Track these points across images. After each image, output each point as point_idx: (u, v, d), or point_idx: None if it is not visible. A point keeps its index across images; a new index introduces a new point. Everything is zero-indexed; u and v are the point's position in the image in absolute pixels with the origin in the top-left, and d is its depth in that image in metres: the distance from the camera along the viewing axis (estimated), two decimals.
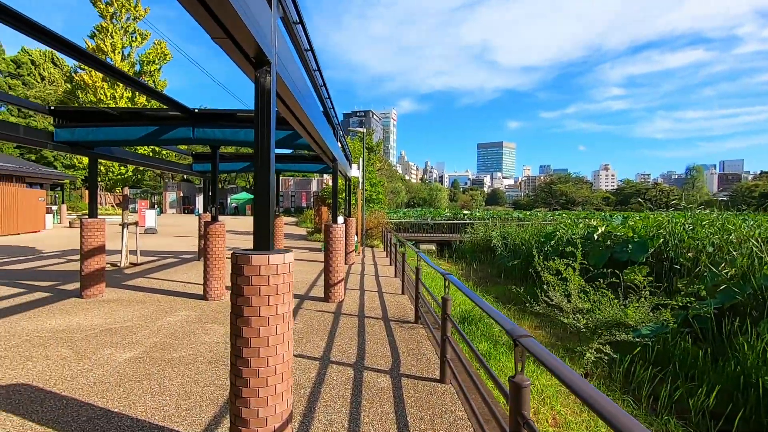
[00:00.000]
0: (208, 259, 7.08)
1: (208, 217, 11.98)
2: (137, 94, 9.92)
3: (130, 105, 11.41)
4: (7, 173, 21.46)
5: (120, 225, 10.45)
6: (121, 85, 9.80)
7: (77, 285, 7.54)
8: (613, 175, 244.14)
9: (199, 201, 48.59)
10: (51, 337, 5.01)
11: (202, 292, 7.50)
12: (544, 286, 7.27)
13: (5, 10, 3.26)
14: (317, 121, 4.65)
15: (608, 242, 11.65)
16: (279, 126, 6.27)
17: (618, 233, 11.52)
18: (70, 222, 24.52)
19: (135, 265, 10.70)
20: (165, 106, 6.24)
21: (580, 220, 17.55)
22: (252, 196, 30.06)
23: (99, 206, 46.02)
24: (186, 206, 49.81)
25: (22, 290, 7.53)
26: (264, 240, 2.49)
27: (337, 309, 6.72)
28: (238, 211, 48.71)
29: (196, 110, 6.14)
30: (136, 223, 10.95)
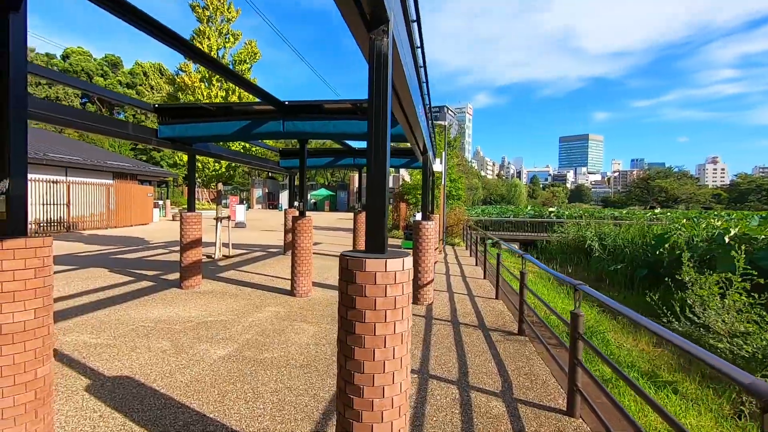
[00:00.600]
0: (295, 255, 6.98)
1: (295, 212, 12.22)
2: (230, 93, 10.34)
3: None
4: (123, 171, 24.17)
5: (214, 219, 10.98)
6: (215, 85, 10.29)
7: (177, 275, 7.91)
8: (723, 169, 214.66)
9: (283, 197, 51.18)
10: (153, 327, 5.14)
11: (289, 288, 7.46)
12: (690, 300, 6.08)
13: (137, 12, 3.27)
14: (418, 106, 4.16)
15: (744, 246, 9.75)
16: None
17: (758, 236, 9.58)
18: (173, 215, 27.04)
19: (227, 257, 11.18)
20: (256, 99, 6.19)
21: (700, 220, 15.17)
22: (331, 193, 30.91)
23: (196, 201, 50.72)
24: (271, 202, 52.82)
25: (131, 278, 8.09)
26: (378, 241, 2.04)
27: (427, 313, 6.22)
28: (316, 207, 50.52)
29: (287, 102, 6.00)
30: (228, 218, 11.45)
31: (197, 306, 6.20)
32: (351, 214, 41.29)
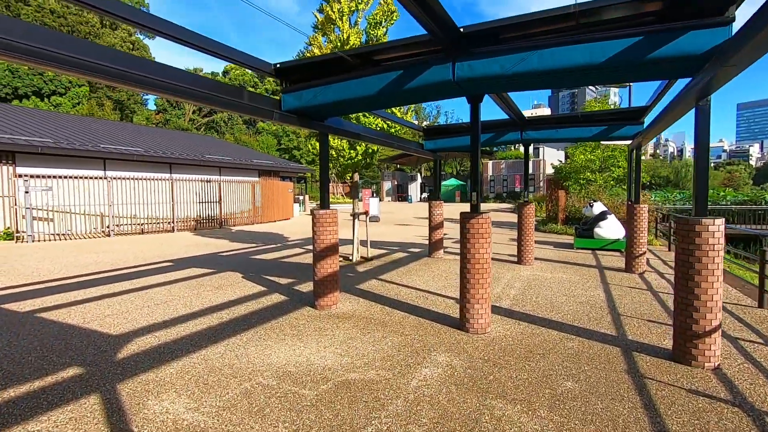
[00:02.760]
0: (467, 270, 4.69)
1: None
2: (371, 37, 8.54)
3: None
4: (266, 169, 25.31)
5: (351, 216, 9.45)
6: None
7: (311, 286, 6.38)
8: None
9: (412, 189, 50.22)
10: (275, 391, 3.37)
11: (454, 314, 5.25)
12: None
13: None
14: None
15: None
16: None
17: None
18: (311, 210, 27.62)
19: (366, 259, 9.56)
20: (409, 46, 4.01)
21: None
22: (461, 183, 27.97)
23: (330, 195, 52.78)
24: (400, 194, 52.39)
25: (263, 290, 6.83)
26: None
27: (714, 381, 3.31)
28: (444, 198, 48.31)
29: (462, 29, 3.68)
30: (366, 213, 9.83)
31: (335, 344, 4.36)
32: (484, 205, 37.98)
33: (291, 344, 4.36)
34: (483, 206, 27.00)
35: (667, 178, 75.45)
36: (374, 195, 44.58)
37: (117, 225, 15.07)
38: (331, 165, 9.43)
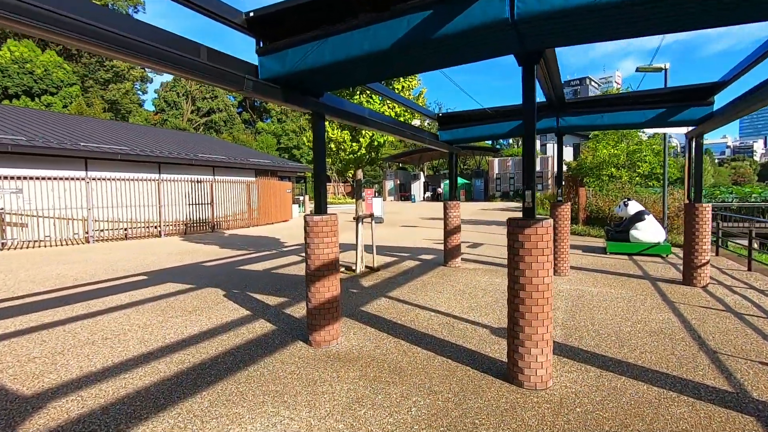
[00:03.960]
0: (522, 297, 3.33)
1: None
2: None
3: None
4: (264, 168, 23.97)
5: (354, 219, 8.10)
6: None
7: (305, 311, 5.05)
8: None
9: (415, 188, 48.89)
10: None
11: (497, 355, 3.90)
12: None
13: None
14: None
15: None
16: None
17: None
18: (304, 216, 26.27)
19: (371, 270, 8.22)
20: None
21: None
22: (466, 181, 26.57)
23: (330, 196, 51.42)
24: (402, 193, 51.03)
25: (245, 314, 5.50)
26: None
27: None
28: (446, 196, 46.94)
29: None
30: (371, 216, 8.49)
31: (335, 413, 3.01)
32: (491, 204, 36.49)
33: (271, 412, 3.02)
34: (488, 205, 25.56)
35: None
36: (377, 194, 43.29)
37: (98, 230, 13.76)
38: (329, 160, 8.09)
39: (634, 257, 9.46)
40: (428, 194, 50.06)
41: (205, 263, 9.43)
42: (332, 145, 7.67)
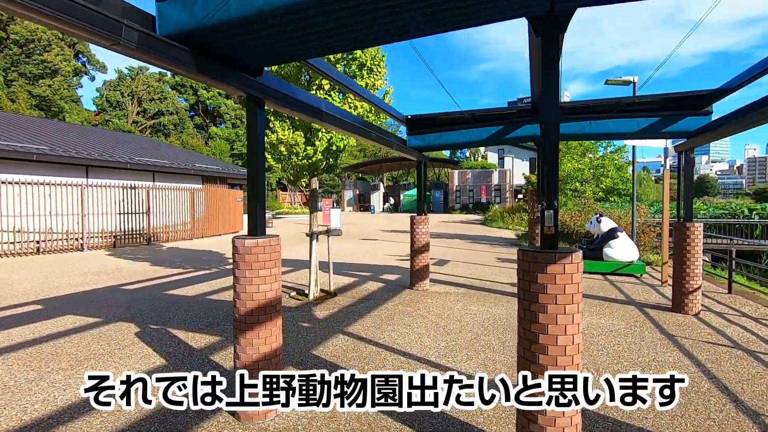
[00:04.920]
0: (536, 353, 2.33)
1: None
2: None
3: None
4: (212, 175, 22.10)
5: (307, 234, 6.91)
6: None
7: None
8: None
9: (374, 198, 48.03)
10: None
11: (498, 428, 2.88)
12: None
13: None
14: None
15: None
16: None
17: None
18: (232, 239, 24.51)
19: (328, 295, 7.05)
20: None
21: None
22: (427, 193, 25.68)
23: (286, 205, 49.34)
24: (362, 204, 49.97)
25: (158, 363, 4.16)
26: None
27: None
28: (403, 209, 46.64)
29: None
30: (327, 231, 7.32)
31: None
32: (452, 216, 35.95)
33: None
34: (448, 217, 24.92)
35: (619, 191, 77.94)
36: (335, 205, 41.92)
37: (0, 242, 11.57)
38: (279, 166, 6.88)
39: (609, 277, 8.91)
40: (388, 205, 49.33)
41: (125, 286, 7.84)
42: (282, 148, 6.48)
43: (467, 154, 57.03)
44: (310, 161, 6.59)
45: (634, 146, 10.74)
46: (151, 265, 10.41)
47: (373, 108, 6.59)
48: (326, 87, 6.19)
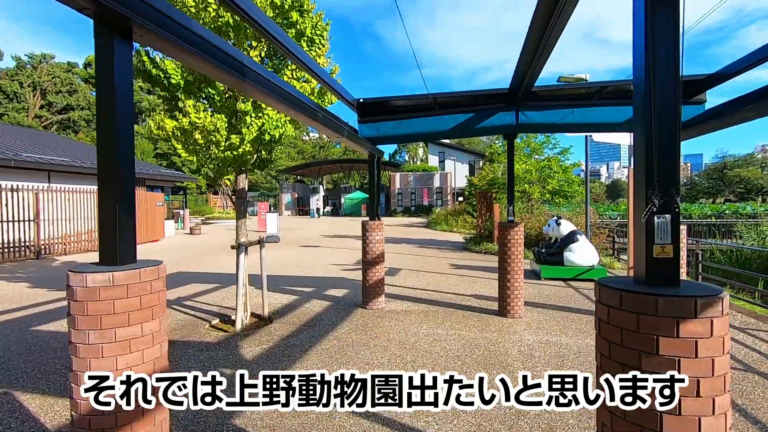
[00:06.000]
0: None
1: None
2: None
3: None
4: None
5: (233, 247, 5.42)
6: None
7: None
8: None
9: (314, 202, 46.19)
10: None
11: None
12: None
13: None
14: None
15: None
16: None
17: None
18: (191, 228, 22.01)
19: (261, 321, 5.62)
20: None
21: None
22: (367, 196, 25.17)
23: (218, 210, 45.82)
24: (301, 207, 47.86)
25: None
26: None
27: None
28: (344, 211, 45.51)
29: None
30: (260, 241, 5.85)
31: None
32: (394, 219, 35.17)
33: None
34: (392, 220, 24.14)
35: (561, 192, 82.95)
36: (272, 209, 39.43)
37: None
38: (194, 159, 5.35)
39: (572, 283, 8.35)
40: (328, 209, 47.69)
41: None
42: (198, 136, 4.96)
43: (406, 158, 57.09)
44: (235, 153, 5.14)
45: (587, 146, 10.43)
46: (28, 286, 8.19)
47: (315, 89, 5.31)
48: (254, 56, 4.80)
